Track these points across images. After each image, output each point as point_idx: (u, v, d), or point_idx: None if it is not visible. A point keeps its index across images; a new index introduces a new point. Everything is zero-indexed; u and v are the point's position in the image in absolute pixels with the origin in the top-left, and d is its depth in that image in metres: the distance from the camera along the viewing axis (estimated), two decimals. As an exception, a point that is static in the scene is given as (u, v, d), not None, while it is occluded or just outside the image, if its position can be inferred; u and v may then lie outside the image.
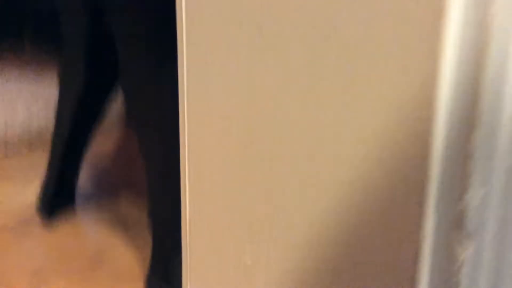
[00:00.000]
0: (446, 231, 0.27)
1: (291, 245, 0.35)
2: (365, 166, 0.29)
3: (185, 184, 0.46)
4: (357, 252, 0.30)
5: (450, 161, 0.26)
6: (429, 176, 0.26)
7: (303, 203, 0.34)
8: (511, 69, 0.26)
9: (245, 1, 0.35)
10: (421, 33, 0.25)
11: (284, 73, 0.33)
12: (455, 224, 0.27)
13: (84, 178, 0.98)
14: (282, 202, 0.36)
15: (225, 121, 0.40)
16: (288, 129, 0.34)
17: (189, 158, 0.45)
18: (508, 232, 0.28)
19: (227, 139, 0.40)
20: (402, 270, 0.28)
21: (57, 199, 0.89)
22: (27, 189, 0.97)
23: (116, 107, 1.57)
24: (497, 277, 0.28)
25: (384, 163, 0.28)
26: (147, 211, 0.78)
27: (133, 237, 0.87)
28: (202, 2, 0.40)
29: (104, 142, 1.29)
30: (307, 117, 0.32)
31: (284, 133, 0.34)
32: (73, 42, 0.75)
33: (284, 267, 0.36)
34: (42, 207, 0.89)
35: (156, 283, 0.72)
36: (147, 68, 0.60)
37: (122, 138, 1.37)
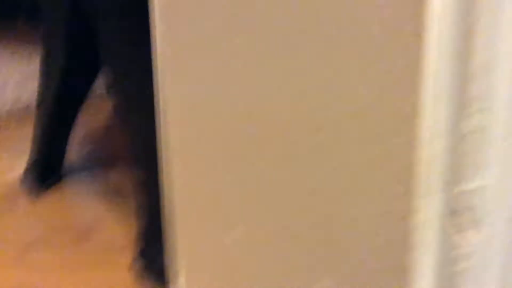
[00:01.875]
0: (445, 217, 0.28)
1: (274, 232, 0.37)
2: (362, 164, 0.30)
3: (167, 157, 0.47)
4: (357, 250, 0.32)
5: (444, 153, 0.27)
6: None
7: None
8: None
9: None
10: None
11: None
12: (452, 211, 0.28)
13: (72, 151, 0.98)
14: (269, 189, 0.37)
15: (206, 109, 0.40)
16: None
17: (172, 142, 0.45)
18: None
19: (210, 133, 0.40)
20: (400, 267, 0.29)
21: (43, 174, 0.88)
22: (15, 162, 0.96)
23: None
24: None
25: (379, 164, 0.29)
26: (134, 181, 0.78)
27: (123, 209, 0.87)
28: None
29: (93, 114, 1.27)
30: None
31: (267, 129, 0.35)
32: (53, 24, 0.74)
33: (264, 250, 0.37)
34: (28, 182, 0.89)
35: (149, 255, 0.73)
36: (126, 43, 0.60)
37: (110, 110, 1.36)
